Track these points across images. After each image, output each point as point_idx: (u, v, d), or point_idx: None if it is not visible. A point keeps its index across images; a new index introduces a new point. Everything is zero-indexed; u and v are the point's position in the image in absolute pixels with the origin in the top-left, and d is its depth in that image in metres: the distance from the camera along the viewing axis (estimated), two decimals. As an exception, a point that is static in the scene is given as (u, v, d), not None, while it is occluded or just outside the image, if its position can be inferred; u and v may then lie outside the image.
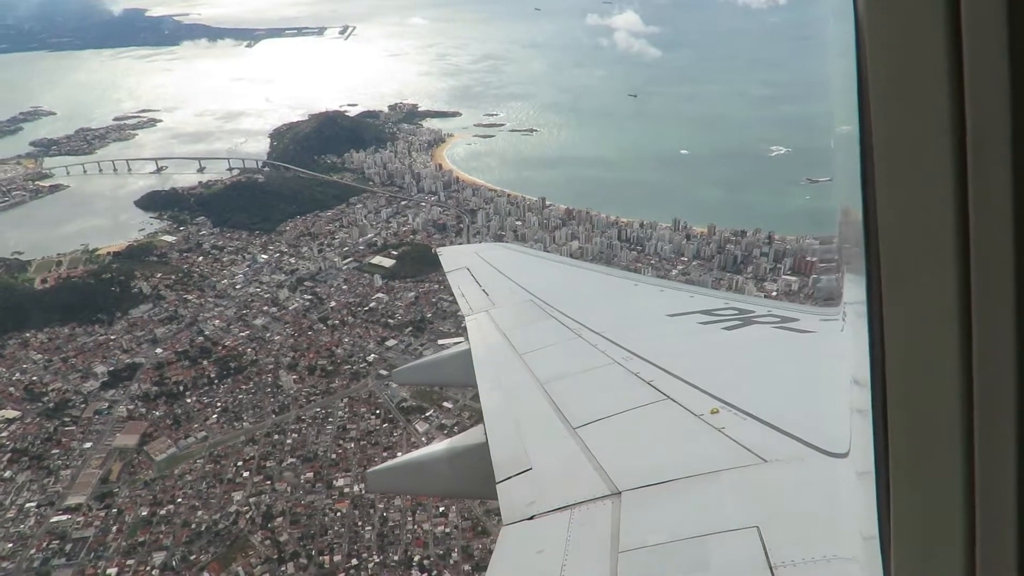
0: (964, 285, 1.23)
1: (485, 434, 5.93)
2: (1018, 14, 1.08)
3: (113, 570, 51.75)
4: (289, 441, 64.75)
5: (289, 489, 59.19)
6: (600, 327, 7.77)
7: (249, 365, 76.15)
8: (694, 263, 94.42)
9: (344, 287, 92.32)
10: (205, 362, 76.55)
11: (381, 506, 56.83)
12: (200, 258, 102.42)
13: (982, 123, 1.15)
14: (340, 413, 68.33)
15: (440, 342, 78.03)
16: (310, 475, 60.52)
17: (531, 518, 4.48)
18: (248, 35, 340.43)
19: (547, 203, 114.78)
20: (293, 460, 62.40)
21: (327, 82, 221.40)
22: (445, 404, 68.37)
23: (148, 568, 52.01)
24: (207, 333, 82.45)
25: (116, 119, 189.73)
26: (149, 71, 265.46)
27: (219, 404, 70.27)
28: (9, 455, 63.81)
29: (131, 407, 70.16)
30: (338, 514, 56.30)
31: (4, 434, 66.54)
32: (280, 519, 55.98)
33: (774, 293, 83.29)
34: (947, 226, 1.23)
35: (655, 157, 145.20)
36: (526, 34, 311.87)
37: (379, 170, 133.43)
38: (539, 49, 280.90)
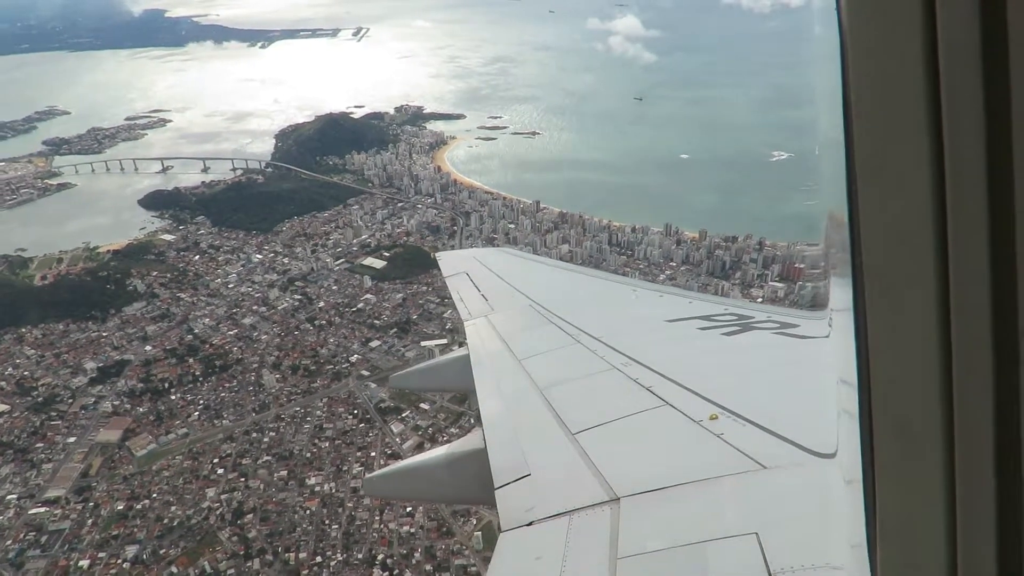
0: (943, 291, 1.25)
1: (484, 440, 5.91)
2: (991, 24, 1.10)
3: (85, 562, 52.94)
4: (266, 439, 65.79)
5: (262, 486, 60.20)
6: (599, 332, 7.75)
7: (234, 364, 77.40)
8: (682, 268, 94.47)
9: (334, 288, 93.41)
10: (191, 360, 77.89)
11: (350, 505, 57.70)
12: (196, 257, 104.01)
13: (958, 132, 1.17)
14: (318, 412, 69.28)
15: (423, 343, 79.19)
16: (284, 473, 61.49)
17: (530, 524, 4.49)
18: (263, 36, 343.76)
19: (541, 206, 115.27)
20: (268, 458, 63.42)
21: (336, 84, 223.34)
22: (422, 405, 69.07)
23: (119, 561, 53.17)
24: (196, 331, 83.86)
25: (127, 119, 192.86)
26: (163, 71, 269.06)
27: (202, 402, 71.50)
28: (-5, 448, 65.43)
29: (116, 403, 71.57)
30: (307, 512, 57.17)
31: (-8, 427, 68.22)
32: (250, 516, 56.97)
33: (760, 299, 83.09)
34: (926, 232, 1.25)
35: (655, 161, 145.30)
36: (538, 36, 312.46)
37: (379, 172, 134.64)
38: (549, 52, 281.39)
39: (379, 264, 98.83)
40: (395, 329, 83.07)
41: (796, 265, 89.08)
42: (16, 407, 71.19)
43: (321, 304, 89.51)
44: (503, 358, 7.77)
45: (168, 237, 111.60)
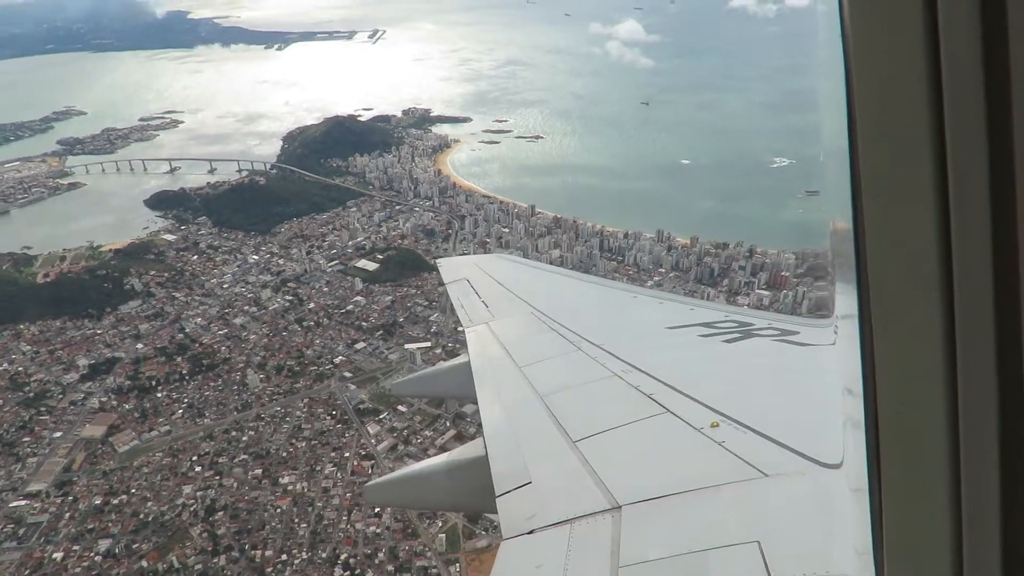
0: (947, 300, 1.26)
1: (485, 447, 5.92)
2: (993, 33, 1.11)
3: (59, 555, 54.37)
4: (245, 438, 66.96)
5: (236, 484, 61.30)
6: (600, 339, 7.75)
7: (221, 363, 78.79)
8: (671, 274, 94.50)
9: (325, 289, 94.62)
10: (180, 359, 79.43)
11: (320, 504, 58.64)
12: (195, 257, 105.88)
13: (961, 141, 1.18)
14: (298, 413, 70.39)
15: (406, 346, 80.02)
16: (258, 472, 62.58)
17: (531, 532, 4.49)
18: (280, 38, 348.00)
19: (537, 211, 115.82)
20: (245, 457, 64.57)
21: (348, 86, 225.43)
22: (399, 408, 69.88)
23: (92, 554, 54.51)
24: (187, 330, 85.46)
25: (141, 119, 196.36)
26: (180, 73, 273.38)
27: (186, 400, 72.92)
28: (-17, 441, 67.32)
29: (104, 399, 73.23)
30: (278, 510, 58.18)
31: (-17, 422, 70.17)
32: (221, 513, 58.11)
33: (745, 307, 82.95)
34: (929, 241, 1.25)
35: (656, 166, 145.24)
36: (551, 40, 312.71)
37: (379, 174, 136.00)
38: (561, 55, 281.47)
39: (372, 266, 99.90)
40: (381, 331, 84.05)
41: (783, 273, 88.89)
42: (8, 402, 73.06)
43: (311, 305, 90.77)
44: (504, 365, 7.72)
45: (169, 237, 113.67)
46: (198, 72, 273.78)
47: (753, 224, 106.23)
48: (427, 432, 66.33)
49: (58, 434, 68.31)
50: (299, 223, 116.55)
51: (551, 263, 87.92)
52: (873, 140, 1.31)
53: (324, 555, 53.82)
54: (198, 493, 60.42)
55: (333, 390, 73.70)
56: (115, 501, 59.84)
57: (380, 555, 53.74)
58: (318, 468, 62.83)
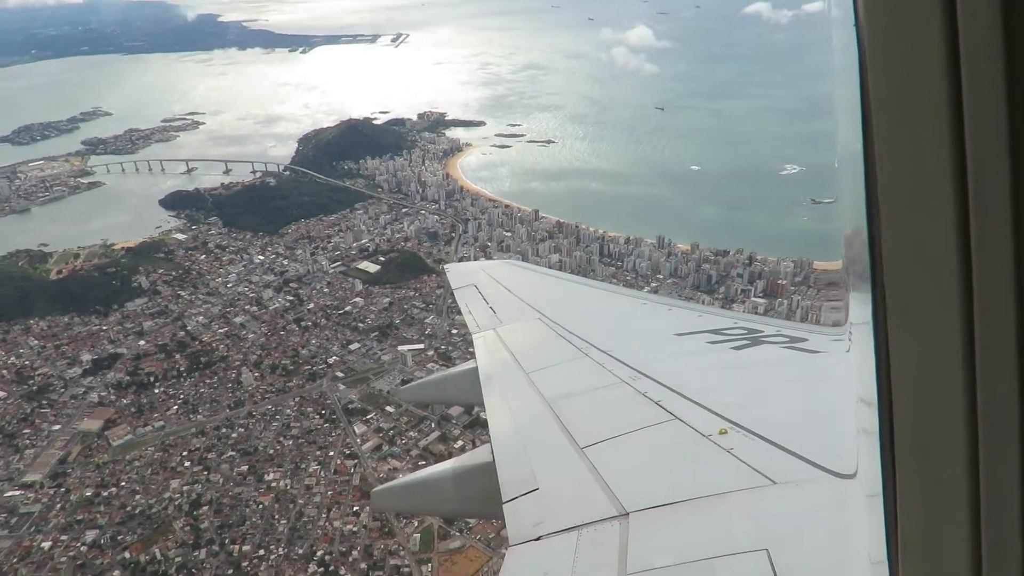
0: (967, 307, 1.24)
1: (492, 453, 5.91)
2: (1014, 36, 1.10)
3: (48, 543, 56.02)
4: (234, 435, 68.28)
5: (222, 480, 62.61)
6: (608, 346, 7.74)
7: (218, 361, 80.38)
8: (669, 281, 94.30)
9: (326, 290, 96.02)
10: (179, 356, 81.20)
11: (301, 502, 59.69)
12: (203, 256, 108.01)
13: (981, 145, 1.17)
14: (288, 411, 71.61)
15: (400, 348, 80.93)
16: (244, 468, 63.83)
17: (538, 539, 4.47)
18: (306, 41, 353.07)
19: (540, 215, 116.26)
20: (233, 453, 65.85)
21: (367, 89, 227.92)
22: (387, 408, 70.83)
23: (79, 544, 56.07)
24: (189, 328, 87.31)
25: (163, 120, 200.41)
26: (206, 75, 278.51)
27: (182, 396, 74.53)
28: (-15, 432, 69.54)
29: (104, 394, 75.12)
30: (260, 506, 59.35)
31: (-13, 413, 72.51)
32: (206, 507, 59.41)
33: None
34: (948, 248, 1.23)
35: (664, 172, 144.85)
36: (573, 44, 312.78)
37: (389, 177, 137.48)
38: (581, 60, 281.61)
39: (373, 268, 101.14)
40: (376, 333, 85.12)
41: (779, 281, 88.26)
42: (12, 394, 75.32)
43: (311, 306, 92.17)
44: (511, 371, 7.73)
45: (180, 236, 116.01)
46: (223, 74, 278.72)
47: (755, 232, 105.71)
48: (412, 433, 67.13)
49: (57, 427, 70.23)
50: (306, 224, 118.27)
51: (550, 267, 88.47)
52: (890, 145, 1.29)
53: (300, 551, 54.79)
54: (185, 488, 61.74)
55: (324, 390, 74.87)
56: (105, 493, 61.41)
57: (355, 553, 54.57)
58: (303, 466, 63.91)
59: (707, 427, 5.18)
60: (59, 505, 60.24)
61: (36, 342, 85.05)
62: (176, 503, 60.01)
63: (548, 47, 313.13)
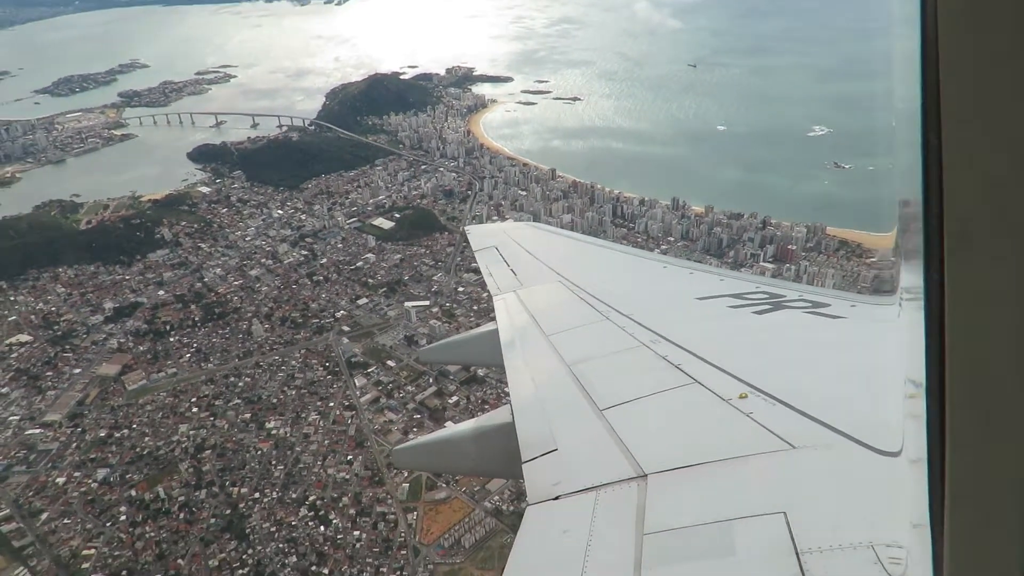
0: None
1: (512, 414, 5.95)
2: None
3: (62, 479, 59.69)
4: (241, 384, 71.03)
5: (226, 426, 65.43)
6: (628, 309, 7.69)
7: (232, 312, 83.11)
8: (680, 244, 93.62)
9: (340, 246, 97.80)
10: (194, 306, 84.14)
11: (299, 449, 62.22)
12: (224, 210, 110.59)
13: None
14: (293, 363, 74.00)
15: (406, 304, 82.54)
16: (248, 416, 66.53)
17: (556, 498, 4.50)
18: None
19: (558, 174, 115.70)
20: (239, 401, 68.61)
21: (399, 43, 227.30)
22: (388, 362, 72.73)
23: (90, 481, 59.60)
24: (206, 280, 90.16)
25: (197, 73, 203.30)
26: (241, 27, 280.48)
27: (195, 345, 77.51)
28: (12, 374, 73.50)
29: (123, 340, 78.53)
30: (259, 452, 62.06)
31: (14, 355, 76.52)
32: (209, 451, 62.35)
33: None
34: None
35: (689, 132, 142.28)
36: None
37: (411, 133, 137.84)
38: (617, 13, 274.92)
39: (387, 225, 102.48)
40: (385, 288, 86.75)
41: (790, 247, 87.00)
42: (38, 339, 79.25)
43: (324, 260, 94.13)
44: (531, 334, 7.77)
45: (204, 189, 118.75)
46: (258, 27, 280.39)
47: (773, 195, 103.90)
48: (409, 388, 68.90)
49: (78, 370, 73.89)
50: (326, 180, 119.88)
51: (562, 227, 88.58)
52: (960, 108, 1.20)
53: (294, 496, 57.42)
54: (191, 432, 64.74)
55: (330, 343, 77.02)
56: (118, 434, 64.81)
57: (345, 499, 56.95)
58: (303, 415, 66.34)
59: (727, 391, 5.20)
60: (75, 444, 63.80)
61: (63, 289, 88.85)
62: (183, 446, 63.06)
63: (584, 0, 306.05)
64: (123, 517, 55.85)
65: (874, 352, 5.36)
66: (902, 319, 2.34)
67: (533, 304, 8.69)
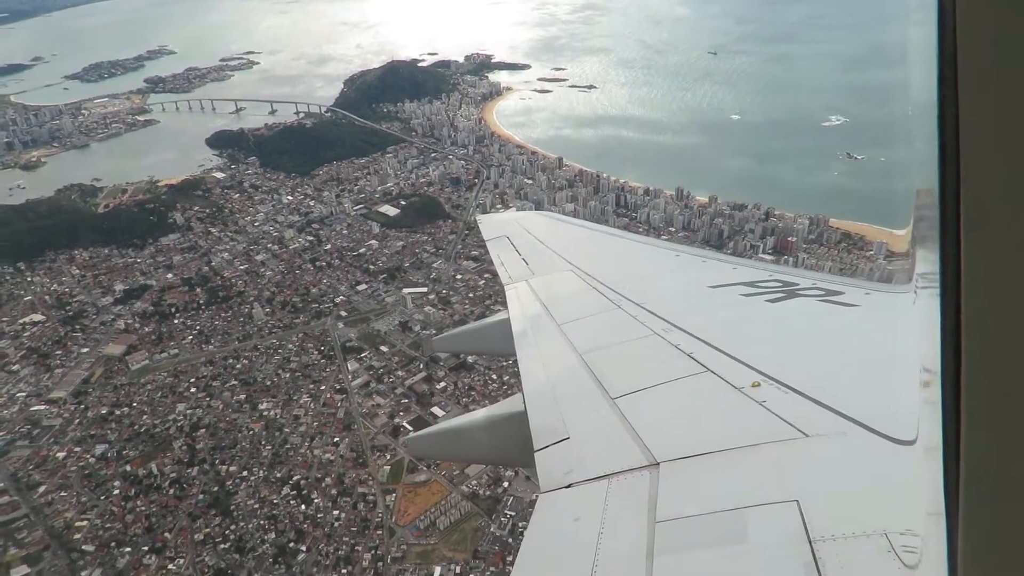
0: None
1: (524, 403, 5.96)
2: None
3: (62, 454, 62.31)
4: (239, 366, 73.09)
5: (221, 406, 67.52)
6: (640, 298, 7.68)
7: (235, 296, 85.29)
8: (681, 234, 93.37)
9: (344, 232, 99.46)
10: (200, 289, 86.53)
11: (288, 430, 64.06)
12: (237, 195, 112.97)
13: None
14: (290, 346, 75.87)
15: (403, 291, 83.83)
16: (242, 397, 68.56)
17: (568, 486, 4.50)
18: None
19: (565, 163, 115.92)
20: (235, 382, 70.68)
21: (421, 29, 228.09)
22: (381, 348, 74.22)
23: (88, 456, 62.14)
24: (213, 264, 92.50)
25: (222, 60, 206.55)
26: (269, 13, 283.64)
27: (198, 327, 79.84)
28: (24, 352, 76.55)
29: (129, 321, 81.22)
30: (251, 432, 64.03)
31: (27, 334, 79.64)
32: (203, 430, 64.49)
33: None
34: None
35: (702, 121, 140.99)
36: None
37: (423, 121, 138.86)
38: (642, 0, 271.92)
39: (392, 212, 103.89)
40: (385, 275, 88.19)
41: (789, 239, 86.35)
42: (51, 318, 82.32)
43: (328, 246, 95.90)
44: (543, 323, 7.77)
45: (219, 175, 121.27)
46: (285, 13, 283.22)
47: (780, 186, 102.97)
48: (400, 372, 70.31)
49: (85, 350, 76.63)
50: (337, 167, 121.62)
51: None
52: (979, 93, 1.20)
53: (279, 475, 59.25)
54: (188, 411, 66.97)
55: (327, 327, 78.74)
56: (118, 412, 67.25)
57: (328, 480, 58.62)
58: (295, 397, 68.15)
59: (740, 379, 5.19)
60: (77, 420, 66.40)
61: (78, 271, 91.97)
62: (178, 424, 65.28)
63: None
64: (116, 491, 58.09)
65: (888, 340, 5.45)
66: (918, 306, 2.36)
67: (545, 293, 8.71)
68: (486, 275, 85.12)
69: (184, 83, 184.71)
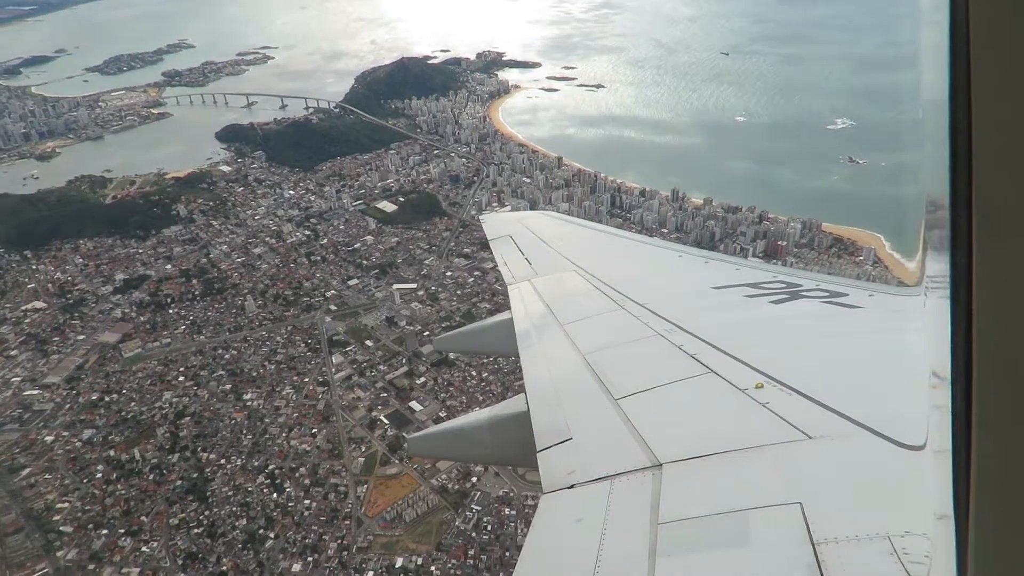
0: None
1: (527, 403, 5.96)
2: None
3: (50, 438, 64.36)
4: (227, 356, 74.77)
5: (207, 395, 69.21)
6: (643, 299, 7.68)
7: (230, 288, 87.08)
8: (672, 236, 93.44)
9: (342, 227, 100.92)
10: (196, 280, 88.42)
11: (268, 420, 65.54)
12: (240, 189, 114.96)
13: None
14: (278, 338, 77.42)
15: (394, 287, 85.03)
16: (228, 387, 70.18)
17: (571, 487, 4.49)
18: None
19: (564, 162, 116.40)
20: (222, 372, 72.34)
21: (436, 26, 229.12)
22: (367, 343, 75.49)
23: (76, 440, 64.11)
24: (211, 256, 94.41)
25: (238, 54, 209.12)
26: (287, 8, 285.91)
27: (191, 318, 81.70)
28: (23, 338, 78.90)
29: (126, 311, 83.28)
30: (233, 421, 65.61)
31: (28, 320, 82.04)
32: (187, 419, 66.19)
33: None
34: None
35: (707, 122, 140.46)
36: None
37: (428, 118, 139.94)
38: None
39: (390, 208, 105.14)
40: (377, 271, 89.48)
41: (779, 243, 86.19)
42: (51, 306, 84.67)
43: (324, 241, 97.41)
44: (546, 323, 7.75)
45: (225, 168, 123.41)
46: (304, 8, 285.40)
47: (778, 189, 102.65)
48: (382, 367, 71.51)
49: (82, 337, 78.80)
50: (340, 162, 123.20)
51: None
52: (991, 95, 1.19)
53: (256, 464, 60.74)
54: (174, 399, 68.73)
55: (315, 321, 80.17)
56: (108, 399, 69.22)
57: (302, 470, 59.99)
58: (278, 389, 69.65)
59: (743, 381, 5.17)
60: (68, 406, 68.46)
61: (81, 260, 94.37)
62: (163, 412, 67.07)
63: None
64: (99, 475, 60.06)
65: (892, 343, 5.55)
66: (927, 309, 2.36)
67: (548, 293, 8.74)
68: (476, 272, 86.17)
69: (200, 77, 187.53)
